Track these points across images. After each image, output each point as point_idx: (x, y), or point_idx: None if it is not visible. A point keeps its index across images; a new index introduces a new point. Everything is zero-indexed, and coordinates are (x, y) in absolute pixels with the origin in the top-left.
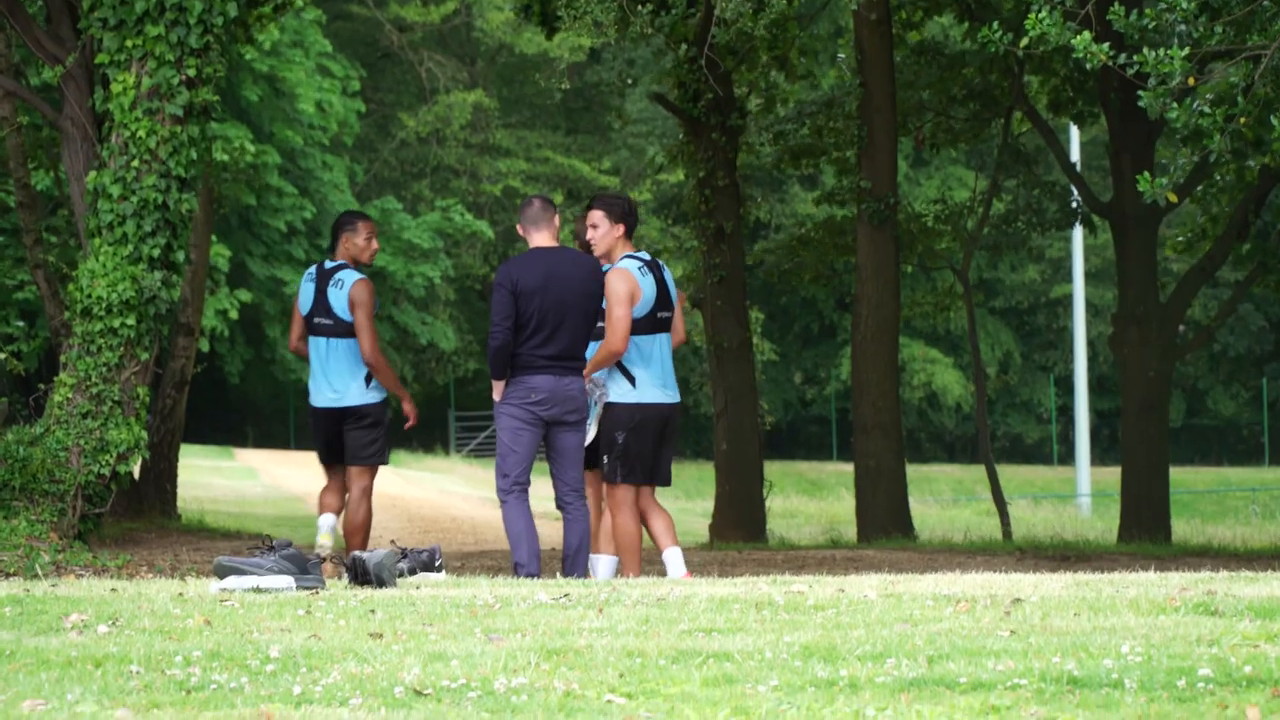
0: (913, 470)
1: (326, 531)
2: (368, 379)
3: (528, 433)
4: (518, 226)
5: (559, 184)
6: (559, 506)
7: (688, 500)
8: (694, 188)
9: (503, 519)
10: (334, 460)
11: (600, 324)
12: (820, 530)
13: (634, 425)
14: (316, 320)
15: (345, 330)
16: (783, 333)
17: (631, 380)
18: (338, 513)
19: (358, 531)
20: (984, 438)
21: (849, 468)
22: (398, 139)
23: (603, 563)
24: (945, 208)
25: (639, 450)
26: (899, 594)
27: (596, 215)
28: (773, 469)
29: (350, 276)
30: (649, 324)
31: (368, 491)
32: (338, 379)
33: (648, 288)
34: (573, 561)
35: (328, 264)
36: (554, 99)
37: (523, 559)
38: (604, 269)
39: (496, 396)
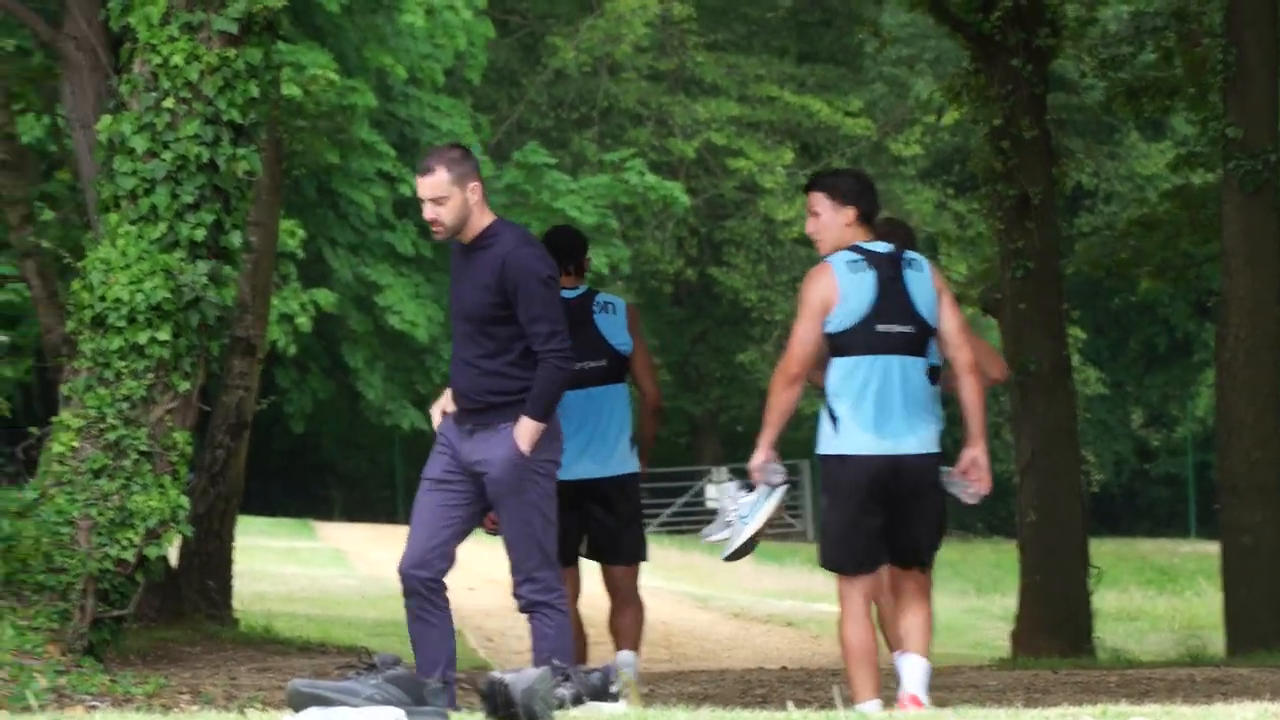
0: None
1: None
2: (632, 439)
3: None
4: (469, 188)
5: (786, 135)
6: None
7: (979, 595)
8: (986, 139)
9: (554, 635)
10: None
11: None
12: (1172, 639)
13: (837, 486)
14: (580, 365)
15: (618, 372)
16: (1114, 352)
17: (834, 420)
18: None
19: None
20: None
21: (1213, 548)
22: (549, 70)
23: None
24: None
25: (852, 523)
26: None
27: (816, 199)
28: (1102, 550)
29: (616, 299)
30: (863, 339)
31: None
32: (609, 440)
33: (856, 289)
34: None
35: (585, 289)
36: (778, 8)
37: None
38: None
39: (528, 445)
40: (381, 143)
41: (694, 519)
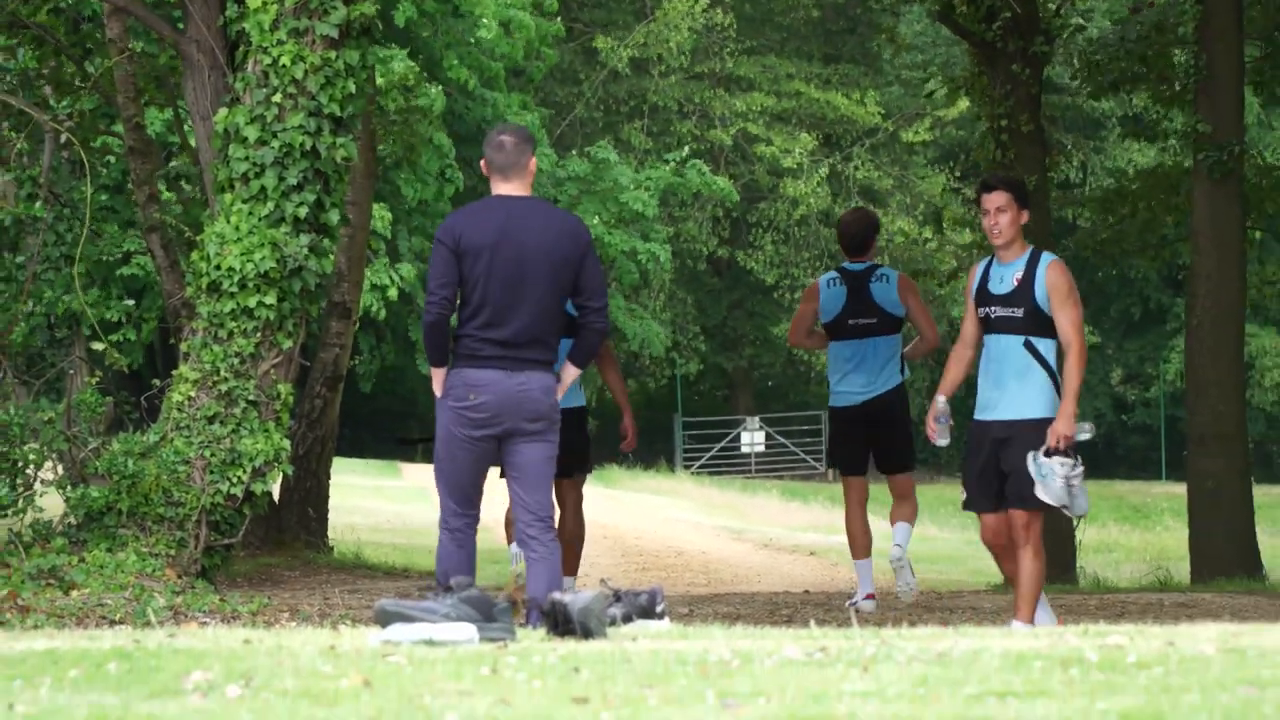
0: (1261, 493)
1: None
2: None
3: (466, 450)
4: (482, 164)
5: (813, 125)
6: (519, 541)
7: (978, 530)
8: (988, 133)
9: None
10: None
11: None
12: (1144, 568)
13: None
14: None
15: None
16: (1096, 319)
17: (1057, 388)
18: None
19: None
20: None
21: (1181, 489)
22: (606, 69)
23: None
24: None
25: None
26: (1243, 649)
27: (1002, 198)
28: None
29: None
30: None
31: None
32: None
33: None
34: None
35: None
36: (803, 16)
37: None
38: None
39: (436, 390)
40: (446, 142)
41: (730, 463)
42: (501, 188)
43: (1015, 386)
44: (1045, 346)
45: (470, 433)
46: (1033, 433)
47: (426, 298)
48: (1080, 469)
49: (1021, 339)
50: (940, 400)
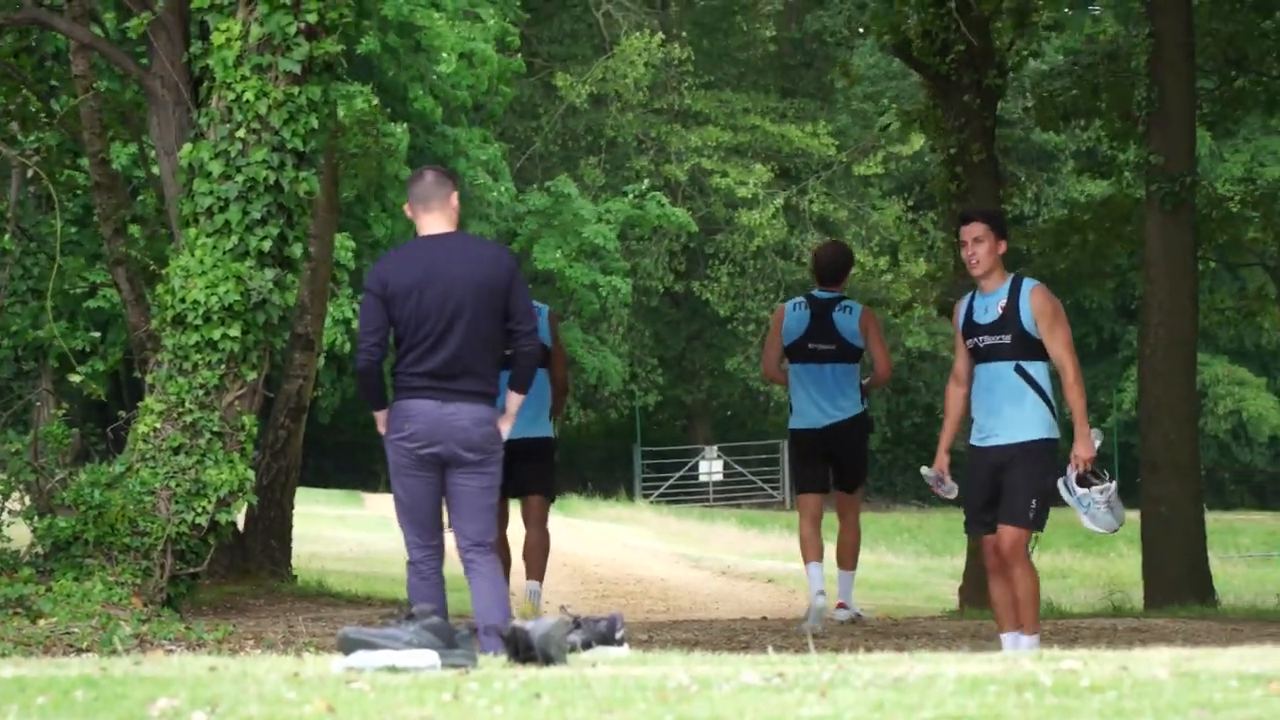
0: (1213, 519)
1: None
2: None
3: (414, 479)
4: (405, 207)
5: (768, 158)
6: (465, 569)
7: (933, 557)
8: (942, 164)
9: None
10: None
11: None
12: (1097, 594)
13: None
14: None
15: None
16: None
17: (1054, 412)
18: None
19: None
20: None
21: (1134, 516)
22: (565, 104)
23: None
24: (1254, 189)
25: None
26: (1195, 673)
27: (979, 229)
28: None
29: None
30: None
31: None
32: (533, 406)
33: None
34: (488, 629)
35: None
36: (760, 51)
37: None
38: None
39: (381, 429)
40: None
41: (688, 491)
42: (424, 221)
43: (1011, 411)
44: (1035, 369)
45: (411, 461)
46: (1031, 455)
47: (358, 346)
48: (1113, 483)
49: (1012, 364)
50: (928, 472)
